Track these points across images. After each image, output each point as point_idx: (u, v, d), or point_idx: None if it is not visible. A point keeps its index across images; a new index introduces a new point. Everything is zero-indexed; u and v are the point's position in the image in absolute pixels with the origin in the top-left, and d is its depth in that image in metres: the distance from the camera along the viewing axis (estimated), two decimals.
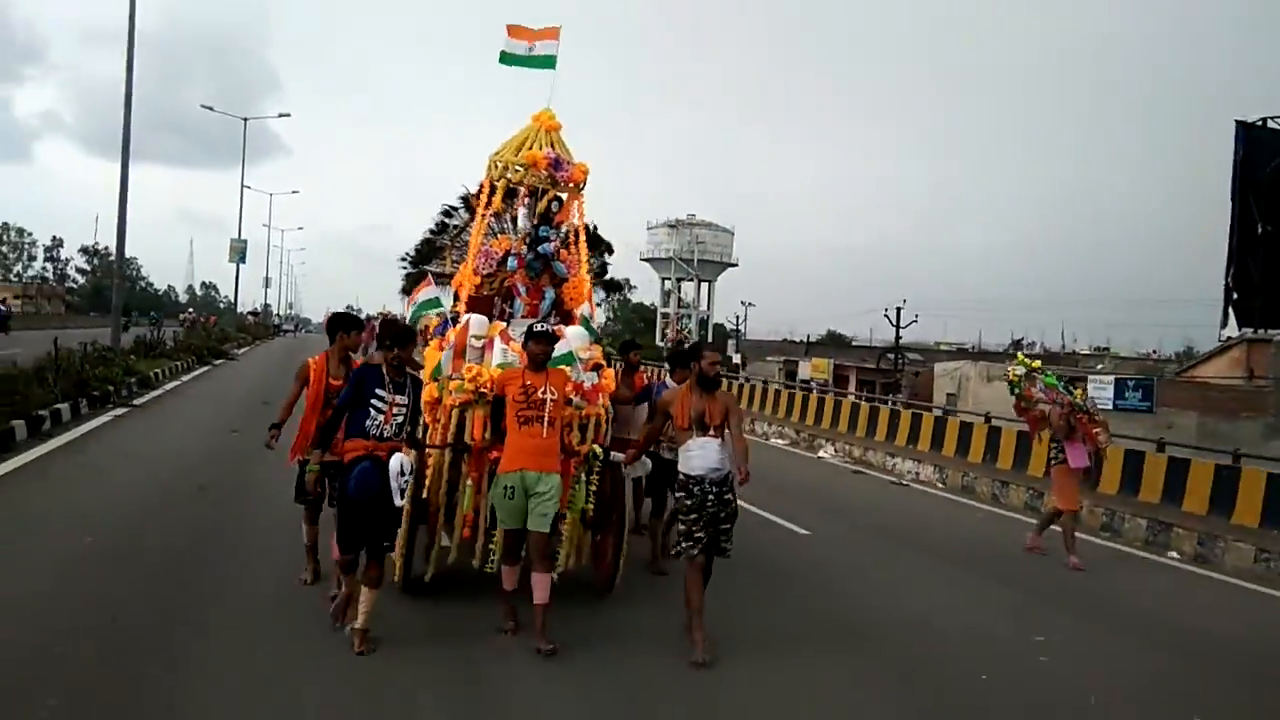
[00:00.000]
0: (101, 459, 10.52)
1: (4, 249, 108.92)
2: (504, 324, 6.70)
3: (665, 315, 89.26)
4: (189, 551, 6.88)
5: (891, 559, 8.92)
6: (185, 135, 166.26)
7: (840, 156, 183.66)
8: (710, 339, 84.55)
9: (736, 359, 46.04)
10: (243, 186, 47.54)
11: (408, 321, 6.65)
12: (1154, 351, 74.17)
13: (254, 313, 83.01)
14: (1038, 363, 9.94)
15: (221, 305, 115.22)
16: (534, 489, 5.37)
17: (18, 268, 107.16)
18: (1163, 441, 12.87)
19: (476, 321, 6.38)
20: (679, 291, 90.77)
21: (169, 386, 19.90)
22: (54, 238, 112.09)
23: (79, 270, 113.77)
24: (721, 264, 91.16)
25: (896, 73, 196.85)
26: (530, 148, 7.22)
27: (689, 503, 5.49)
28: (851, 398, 21.03)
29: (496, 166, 7.23)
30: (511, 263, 7.34)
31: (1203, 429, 22.11)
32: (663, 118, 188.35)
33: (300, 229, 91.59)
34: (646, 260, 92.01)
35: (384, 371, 5.27)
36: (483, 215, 7.27)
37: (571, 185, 7.35)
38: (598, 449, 6.05)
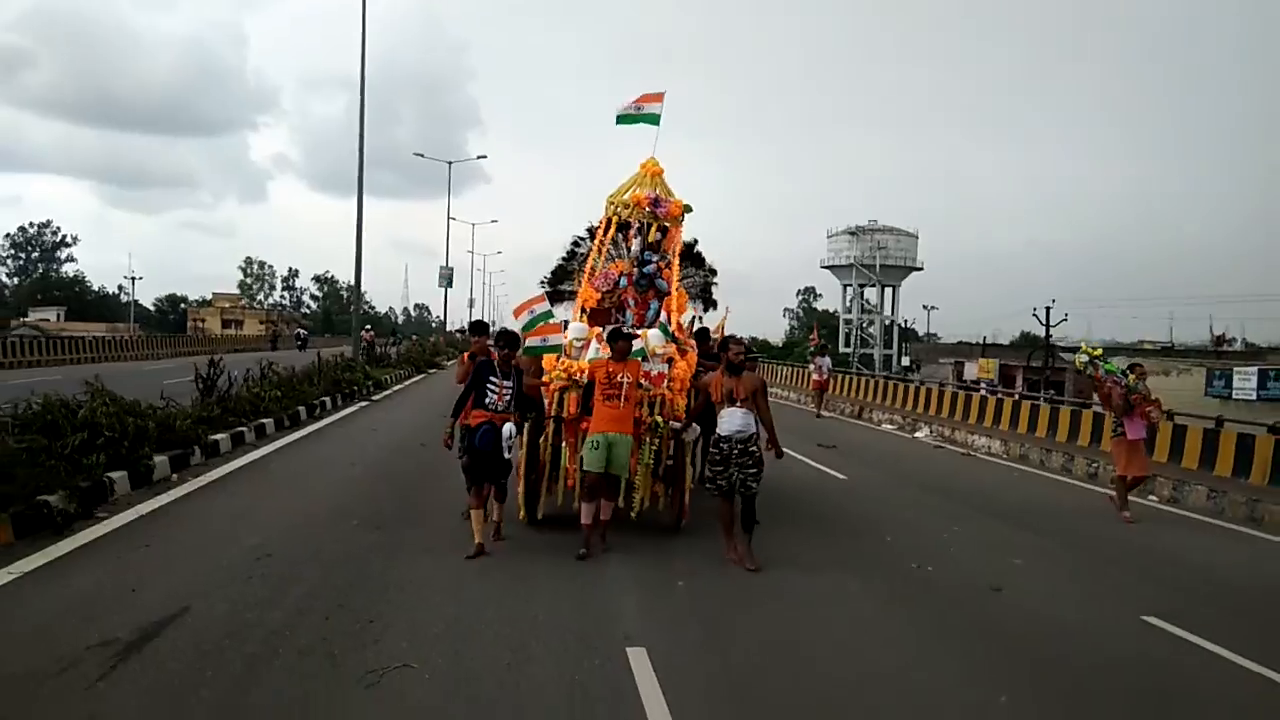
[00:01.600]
0: (356, 430, 15.19)
1: (249, 280, 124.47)
2: (600, 329, 8.73)
3: (849, 321, 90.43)
4: (414, 478, 10.81)
5: (923, 503, 11.33)
6: (397, 170, 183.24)
7: (1029, 156, 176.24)
8: (894, 342, 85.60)
9: (906, 361, 47.69)
10: (449, 219, 54.63)
11: (522, 329, 8.13)
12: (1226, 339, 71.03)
13: (461, 330, 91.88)
14: (1099, 350, 12.17)
15: (434, 324, 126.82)
16: (613, 444, 7.43)
17: (260, 296, 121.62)
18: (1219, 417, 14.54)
19: (575, 328, 8.67)
20: (861, 297, 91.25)
21: (396, 388, 25.39)
22: (290, 269, 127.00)
23: (312, 297, 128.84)
24: (905, 268, 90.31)
25: (1074, 72, 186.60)
26: (637, 189, 9.73)
27: (718, 456, 7.32)
28: (939, 387, 23.36)
29: (611, 206, 9.76)
30: (623, 281, 9.69)
31: None
32: (849, 124, 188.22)
33: (499, 253, 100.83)
34: (827, 268, 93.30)
35: (495, 363, 7.36)
36: (600, 244, 9.81)
37: (670, 218, 9.69)
38: (659, 420, 7.96)
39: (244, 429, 12.53)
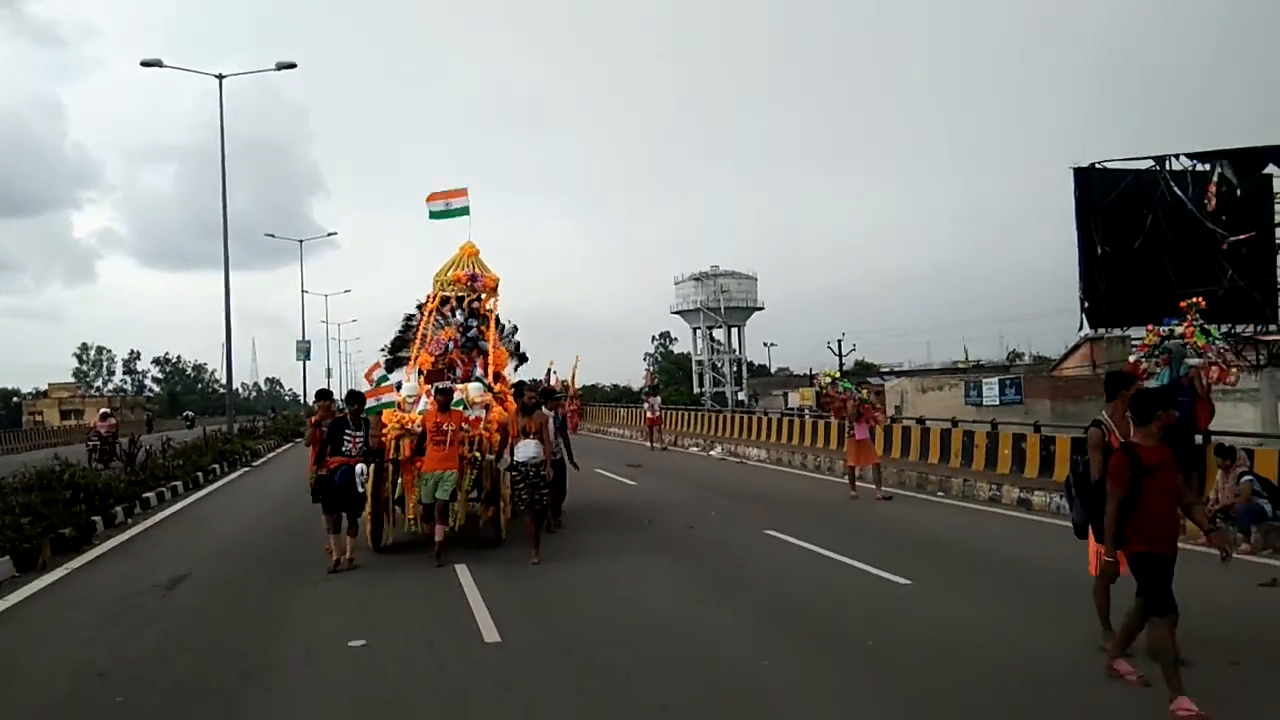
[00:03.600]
0: (247, 487, 18.97)
1: (85, 367, 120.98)
2: (430, 385, 10.75)
3: (700, 363, 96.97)
4: (296, 523, 14.10)
5: (691, 495, 16.06)
6: (239, 240, 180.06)
7: (862, 190, 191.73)
8: (741, 378, 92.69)
9: (742, 396, 53.44)
10: (303, 294, 56.97)
11: (370, 388, 10.85)
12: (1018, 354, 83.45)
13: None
14: (837, 373, 17.28)
15: (287, 398, 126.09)
16: (440, 480, 9.80)
17: (98, 382, 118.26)
18: (995, 422, 19.80)
19: (408, 387, 10.99)
20: (710, 338, 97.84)
21: (270, 455, 28.90)
22: (131, 351, 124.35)
23: (154, 379, 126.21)
24: (748, 309, 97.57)
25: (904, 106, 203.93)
26: (457, 269, 12.32)
27: (518, 477, 9.73)
28: (731, 414, 28.86)
29: (436, 283, 12.29)
30: (450, 345, 11.94)
31: (1055, 410, 29.13)
32: (691, 174, 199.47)
33: (354, 321, 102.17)
34: (677, 313, 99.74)
35: (347, 418, 9.71)
36: (429, 316, 12.19)
37: (486, 289, 12.33)
38: (478, 454, 10.31)
39: (164, 489, 16.23)
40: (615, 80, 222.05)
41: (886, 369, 63.63)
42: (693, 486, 17.18)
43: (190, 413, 75.00)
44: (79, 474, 12.89)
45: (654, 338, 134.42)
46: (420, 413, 10.32)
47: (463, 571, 9.27)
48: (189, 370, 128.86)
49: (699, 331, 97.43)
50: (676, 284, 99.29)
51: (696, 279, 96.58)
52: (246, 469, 23.48)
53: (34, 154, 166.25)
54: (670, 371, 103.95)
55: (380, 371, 12.01)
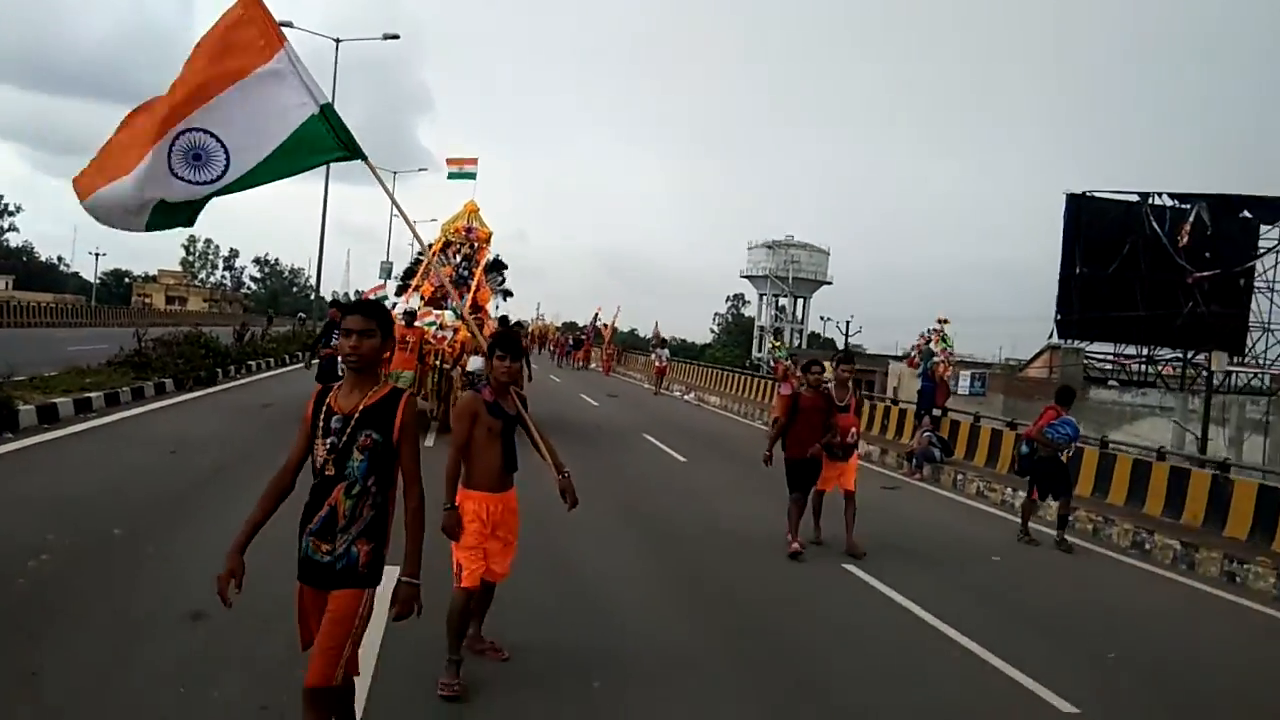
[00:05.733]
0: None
1: (192, 258, 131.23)
2: (429, 306, 15.07)
3: (762, 329, 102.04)
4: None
5: (637, 420, 22.41)
6: None
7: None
8: (802, 348, 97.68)
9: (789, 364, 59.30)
10: (391, 219, 63.92)
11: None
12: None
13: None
14: (781, 344, 23.48)
15: None
16: (400, 375, 12.90)
17: (202, 274, 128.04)
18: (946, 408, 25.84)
19: (401, 307, 14.90)
20: (777, 306, 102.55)
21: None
22: (231, 249, 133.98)
23: (251, 278, 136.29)
24: (816, 282, 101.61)
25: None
26: (458, 221, 16.45)
27: (467, 382, 13.02)
28: (721, 369, 34.91)
29: (442, 231, 16.73)
30: (447, 280, 14.71)
31: (1007, 405, 34.27)
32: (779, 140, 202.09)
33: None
34: (746, 277, 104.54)
35: (338, 320, 14.94)
36: (435, 254, 15.96)
37: (480, 240, 16.36)
38: (437, 362, 13.94)
39: (263, 361, 23.22)
40: (730, 28, 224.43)
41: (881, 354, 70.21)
42: (640, 413, 23.33)
43: (271, 311, 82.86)
44: (210, 341, 19.75)
45: (728, 298, 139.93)
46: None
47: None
48: (286, 273, 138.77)
49: (764, 298, 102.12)
50: (750, 249, 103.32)
51: (769, 246, 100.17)
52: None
53: (158, 40, 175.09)
54: (735, 334, 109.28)
55: (383, 293, 18.43)
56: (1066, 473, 10.67)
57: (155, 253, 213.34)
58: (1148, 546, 10.65)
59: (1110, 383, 35.12)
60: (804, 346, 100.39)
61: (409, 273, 18.97)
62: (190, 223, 5.49)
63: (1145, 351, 36.25)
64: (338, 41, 33.78)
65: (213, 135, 5.17)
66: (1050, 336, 37.05)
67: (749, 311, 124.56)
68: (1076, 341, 36.67)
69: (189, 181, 5.21)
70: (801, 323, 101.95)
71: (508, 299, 23.20)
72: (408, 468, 3.38)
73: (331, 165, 18.05)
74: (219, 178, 5.25)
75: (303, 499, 3.36)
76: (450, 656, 4.68)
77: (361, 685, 3.97)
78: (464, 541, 4.75)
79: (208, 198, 5.37)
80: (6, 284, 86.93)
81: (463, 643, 4.83)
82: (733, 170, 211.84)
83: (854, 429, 9.30)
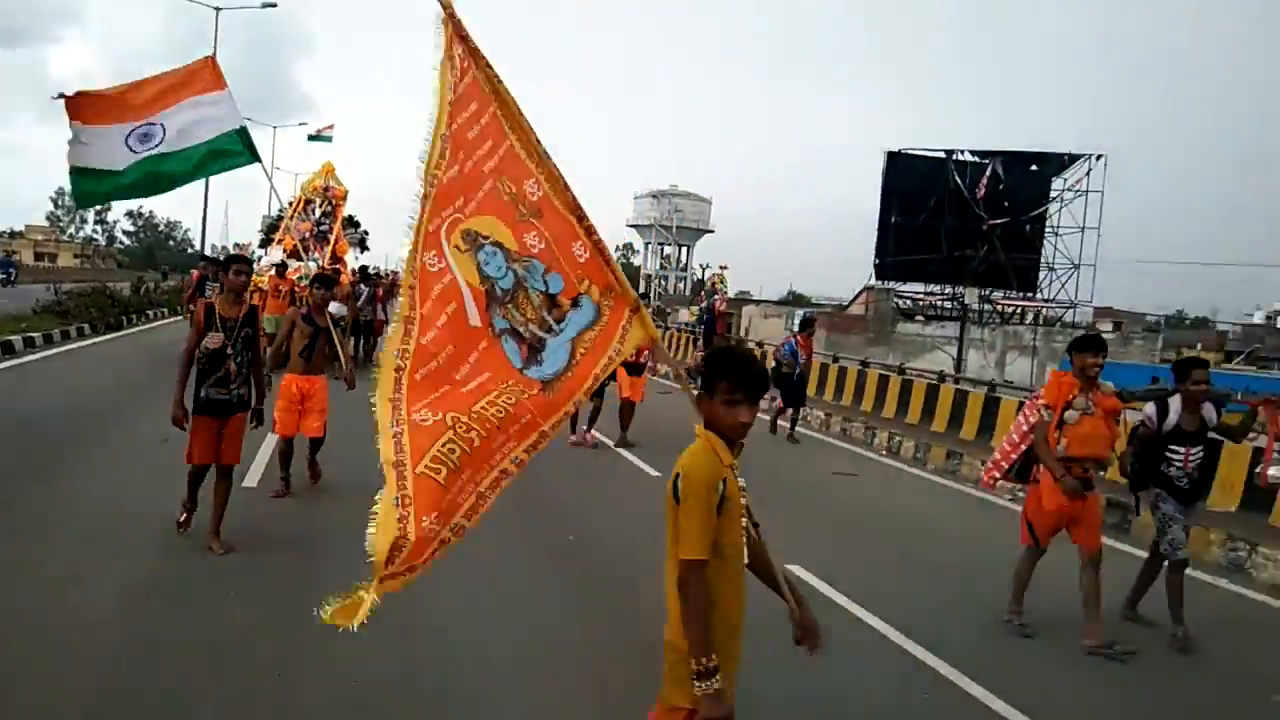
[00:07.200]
0: None
1: (59, 211, 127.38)
2: (290, 259, 17.06)
3: (648, 277, 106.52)
4: None
5: None
6: None
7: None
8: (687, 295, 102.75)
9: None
10: (270, 176, 65.91)
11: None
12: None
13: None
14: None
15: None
16: (276, 320, 12.11)
17: (71, 229, 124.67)
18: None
19: (266, 259, 18.36)
20: (661, 255, 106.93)
21: None
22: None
23: (123, 232, 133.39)
24: (699, 230, 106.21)
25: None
26: (316, 180, 18.60)
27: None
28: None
29: (301, 189, 19.43)
30: (307, 235, 17.83)
31: (829, 341, 39.89)
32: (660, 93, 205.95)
33: None
34: (632, 226, 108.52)
35: (208, 274, 16.04)
36: (294, 212, 18.45)
37: (337, 197, 18.36)
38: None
39: (161, 310, 26.74)
40: None
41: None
42: None
43: (165, 267, 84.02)
44: (118, 294, 23.34)
45: (617, 247, 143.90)
46: (267, 275, 16.48)
47: None
48: (162, 226, 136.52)
49: (649, 247, 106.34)
50: (635, 198, 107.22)
51: (654, 196, 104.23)
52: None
53: None
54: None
55: (253, 249, 22.22)
56: (795, 385, 13.48)
57: (19, 210, 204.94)
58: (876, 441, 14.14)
59: (917, 317, 41.11)
60: (687, 293, 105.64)
61: (270, 228, 22.28)
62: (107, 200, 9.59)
63: (948, 290, 42.44)
64: (217, 10, 36.51)
65: (161, 125, 8.34)
66: (870, 279, 42.82)
67: (636, 261, 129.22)
68: (891, 282, 42.59)
69: (132, 150, 7.95)
70: (685, 270, 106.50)
71: (364, 251, 27.02)
72: (258, 349, 6.42)
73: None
74: (154, 149, 8.04)
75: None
76: (281, 474, 7.90)
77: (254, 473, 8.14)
78: (278, 405, 7.71)
79: (136, 175, 8.08)
80: None
81: (288, 467, 7.87)
82: (620, 119, 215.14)
83: (645, 350, 10.63)
